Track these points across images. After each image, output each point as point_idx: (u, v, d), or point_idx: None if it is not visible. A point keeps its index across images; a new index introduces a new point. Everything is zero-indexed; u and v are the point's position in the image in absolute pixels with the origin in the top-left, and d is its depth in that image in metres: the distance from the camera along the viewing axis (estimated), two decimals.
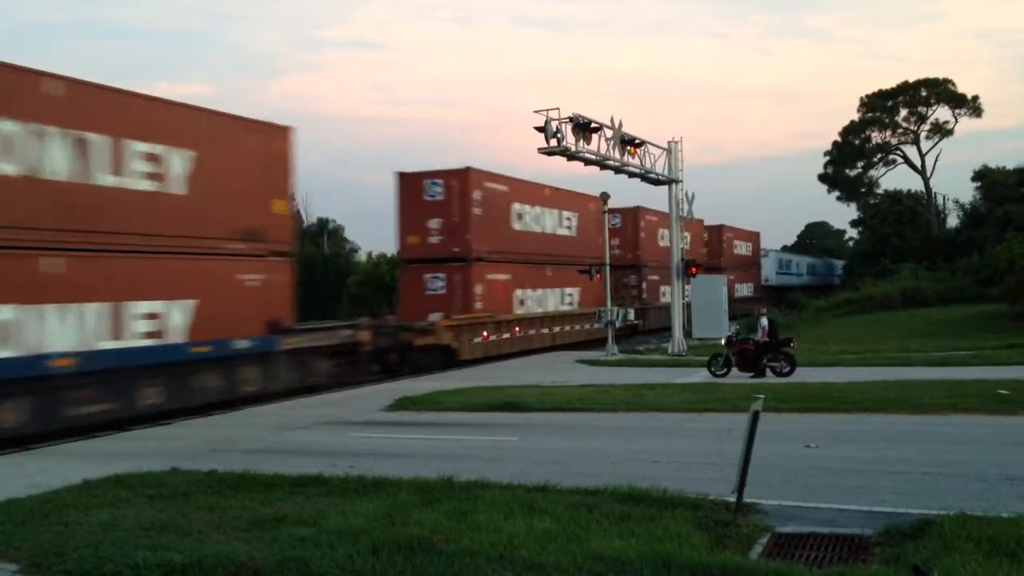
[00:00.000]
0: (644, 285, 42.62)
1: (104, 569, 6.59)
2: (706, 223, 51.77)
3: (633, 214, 41.97)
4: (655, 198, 34.22)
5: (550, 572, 6.17)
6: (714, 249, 54.73)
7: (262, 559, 6.58)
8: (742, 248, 61.80)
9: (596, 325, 33.10)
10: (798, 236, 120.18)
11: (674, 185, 29.11)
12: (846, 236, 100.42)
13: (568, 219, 34.62)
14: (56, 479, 10.11)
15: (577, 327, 34.46)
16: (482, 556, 6.45)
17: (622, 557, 6.34)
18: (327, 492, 8.92)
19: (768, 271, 68.65)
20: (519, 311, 30.24)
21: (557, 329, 33.06)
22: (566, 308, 34.30)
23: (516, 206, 30.66)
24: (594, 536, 6.93)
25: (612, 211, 35.66)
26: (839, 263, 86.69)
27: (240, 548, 6.89)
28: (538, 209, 32.36)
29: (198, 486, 9.34)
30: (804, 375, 19.57)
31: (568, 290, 34.41)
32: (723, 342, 21.86)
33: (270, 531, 7.42)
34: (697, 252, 45.97)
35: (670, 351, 28.30)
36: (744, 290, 59.70)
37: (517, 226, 30.75)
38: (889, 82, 73.05)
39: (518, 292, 30.54)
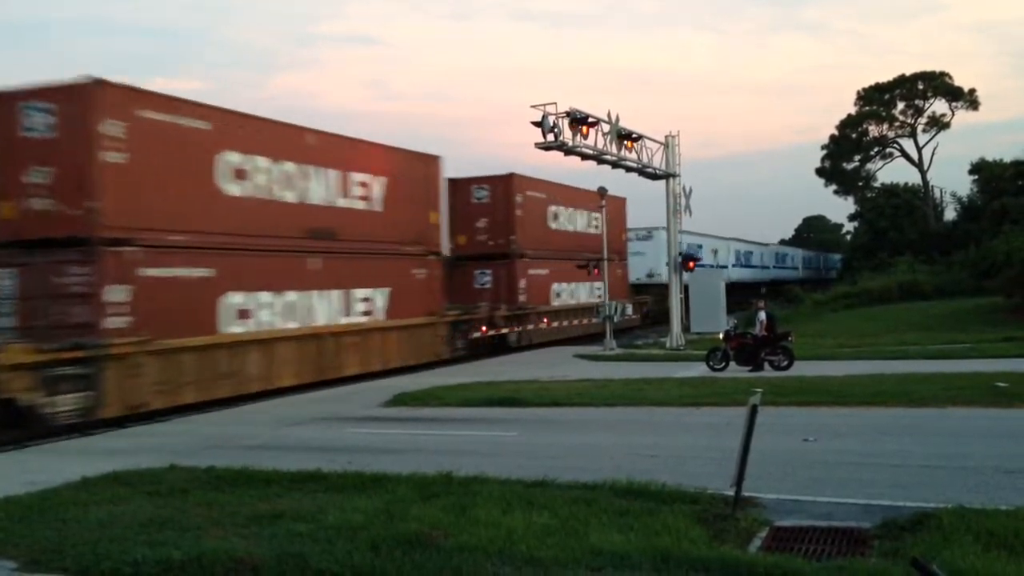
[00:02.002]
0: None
1: (103, 566, 6.59)
2: (452, 174, 28.58)
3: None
4: (653, 193, 33.13)
5: (549, 567, 6.17)
6: (498, 222, 29.96)
7: (261, 555, 6.58)
8: (577, 222, 35.02)
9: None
10: (796, 230, 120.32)
11: (671, 179, 29.08)
12: (844, 230, 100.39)
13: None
14: (55, 476, 10.10)
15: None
16: (481, 551, 6.45)
17: (621, 551, 6.34)
18: (325, 488, 8.92)
19: (654, 261, 42.20)
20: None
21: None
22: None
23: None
24: (593, 531, 6.93)
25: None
26: (836, 256, 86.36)
27: (239, 544, 6.88)
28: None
29: (196, 482, 9.34)
30: (802, 369, 19.56)
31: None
32: (721, 336, 21.88)
33: (268, 527, 7.41)
34: (422, 225, 25.02)
35: (668, 345, 28.33)
36: (580, 292, 34.80)
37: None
38: (886, 75, 73.08)
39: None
